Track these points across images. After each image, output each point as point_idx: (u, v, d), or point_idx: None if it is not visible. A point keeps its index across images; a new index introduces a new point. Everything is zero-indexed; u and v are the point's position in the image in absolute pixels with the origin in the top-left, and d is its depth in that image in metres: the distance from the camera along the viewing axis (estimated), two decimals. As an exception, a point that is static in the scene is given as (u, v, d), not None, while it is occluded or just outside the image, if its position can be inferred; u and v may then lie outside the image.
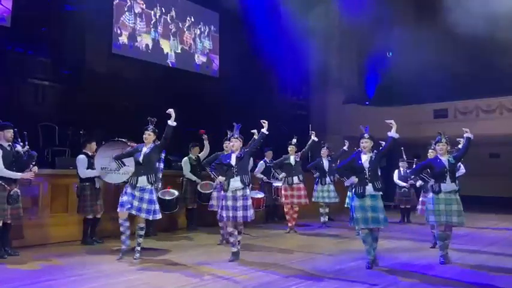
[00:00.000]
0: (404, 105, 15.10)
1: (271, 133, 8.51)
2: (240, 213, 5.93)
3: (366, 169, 5.65)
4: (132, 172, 6.19)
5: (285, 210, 8.83)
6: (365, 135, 5.76)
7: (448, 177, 5.99)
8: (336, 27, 16.00)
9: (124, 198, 5.93)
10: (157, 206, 6.06)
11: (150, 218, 5.97)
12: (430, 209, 6.09)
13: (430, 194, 6.17)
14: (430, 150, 7.16)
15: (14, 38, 9.69)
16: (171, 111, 5.95)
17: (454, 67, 13.41)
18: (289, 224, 8.72)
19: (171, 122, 5.93)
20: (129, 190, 5.98)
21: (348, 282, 5.03)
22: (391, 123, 5.79)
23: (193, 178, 8.61)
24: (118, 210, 5.97)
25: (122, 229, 6.02)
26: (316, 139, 8.74)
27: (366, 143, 5.73)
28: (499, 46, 12.61)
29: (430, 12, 13.16)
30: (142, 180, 5.98)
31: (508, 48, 12.56)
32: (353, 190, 5.77)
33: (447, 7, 12.22)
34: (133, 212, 5.92)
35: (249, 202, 6.04)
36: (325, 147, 9.52)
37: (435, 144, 6.28)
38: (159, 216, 6.06)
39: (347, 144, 9.23)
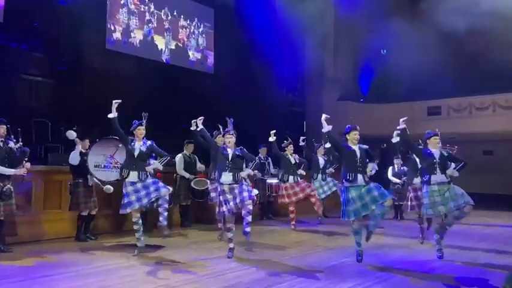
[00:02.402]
0: (398, 102, 15.14)
1: (266, 130, 8.54)
2: (238, 199, 5.90)
3: (358, 157, 5.77)
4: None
5: (291, 209, 8.74)
6: (357, 127, 5.92)
7: (438, 169, 5.98)
8: (331, 25, 16.03)
9: (132, 198, 5.97)
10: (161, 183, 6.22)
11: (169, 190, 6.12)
12: (426, 203, 6.02)
13: (424, 188, 6.08)
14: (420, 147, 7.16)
15: (7, 33, 9.62)
16: (114, 102, 6.01)
17: (448, 65, 13.45)
18: (292, 222, 8.73)
19: (111, 115, 5.99)
20: (130, 189, 5.99)
21: (341, 278, 5.05)
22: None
23: (187, 176, 8.59)
24: (128, 210, 6.00)
25: (136, 227, 6.09)
26: (271, 140, 8.55)
27: (358, 136, 5.89)
28: (493, 43, 12.67)
29: (424, 11, 13.19)
30: (134, 176, 6.03)
31: (502, 45, 12.62)
32: (345, 178, 5.74)
33: (441, 5, 12.26)
34: (145, 202, 5.98)
35: (248, 188, 6.05)
36: (321, 146, 9.56)
37: (427, 139, 6.22)
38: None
39: (302, 138, 9.44)
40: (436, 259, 6.03)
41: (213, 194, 7.57)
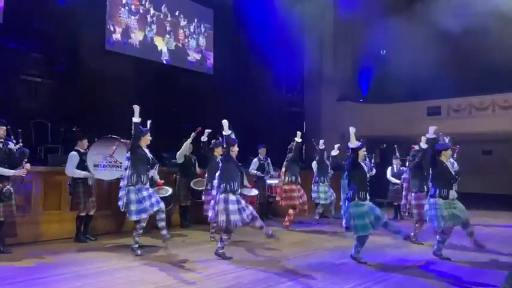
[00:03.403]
0: (397, 102, 15.15)
1: (265, 130, 8.55)
2: (246, 214, 5.97)
3: (368, 176, 5.92)
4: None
5: (292, 211, 8.71)
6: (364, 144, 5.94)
7: (454, 185, 6.11)
8: (330, 25, 16.04)
9: (146, 204, 6.04)
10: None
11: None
12: (439, 214, 5.97)
13: (438, 201, 6.01)
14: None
15: (6, 34, 9.61)
16: (135, 107, 6.00)
17: (447, 65, 13.46)
18: (288, 223, 8.74)
19: (137, 119, 6.00)
20: (145, 194, 6.04)
21: (341, 279, 5.06)
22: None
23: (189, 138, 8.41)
24: (135, 218, 6.05)
25: (140, 231, 6.16)
26: (299, 140, 8.70)
27: (365, 152, 6.02)
28: (492, 43, 12.68)
29: (423, 11, 13.20)
30: (146, 179, 6.13)
31: (501, 45, 12.62)
32: (349, 196, 5.78)
33: (440, 5, 12.27)
34: (152, 211, 6.09)
35: None
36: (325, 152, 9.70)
37: (442, 150, 6.18)
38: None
39: (322, 141, 9.52)
40: (436, 259, 6.04)
41: (209, 210, 7.43)
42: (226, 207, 5.84)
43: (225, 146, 6.08)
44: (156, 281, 4.90)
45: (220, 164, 6.16)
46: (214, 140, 7.50)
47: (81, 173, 6.88)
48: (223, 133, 6.02)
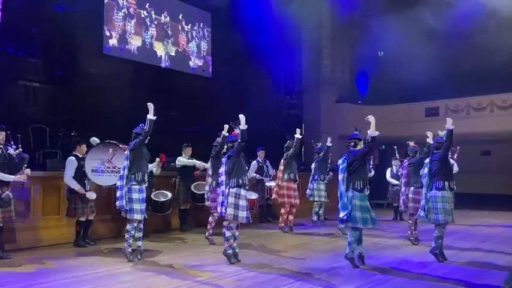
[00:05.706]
0: (396, 103, 15.18)
1: (264, 133, 8.54)
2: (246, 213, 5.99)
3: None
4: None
5: (283, 210, 8.72)
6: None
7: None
8: (328, 27, 16.08)
9: (143, 206, 6.06)
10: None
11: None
12: (441, 207, 5.95)
13: (446, 193, 5.99)
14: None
15: (4, 39, 9.61)
16: (150, 105, 6.00)
17: (445, 65, 13.49)
18: (283, 224, 8.72)
19: (153, 117, 5.99)
20: (139, 196, 6.00)
21: (341, 281, 5.05)
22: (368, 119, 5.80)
23: (187, 162, 8.49)
24: (140, 217, 6.01)
25: (133, 233, 6.09)
26: (299, 136, 8.70)
27: None
28: (490, 44, 12.70)
29: (421, 12, 13.24)
30: (145, 176, 6.13)
31: (499, 46, 12.65)
32: (356, 187, 5.72)
33: (439, 6, 12.30)
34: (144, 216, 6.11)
35: None
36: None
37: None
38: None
39: (330, 139, 9.39)
40: (434, 260, 6.04)
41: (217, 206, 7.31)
42: (236, 202, 5.84)
43: (240, 140, 5.99)
44: (156, 285, 4.89)
45: (226, 159, 6.06)
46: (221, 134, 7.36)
47: (76, 185, 6.79)
48: (241, 127, 5.93)
